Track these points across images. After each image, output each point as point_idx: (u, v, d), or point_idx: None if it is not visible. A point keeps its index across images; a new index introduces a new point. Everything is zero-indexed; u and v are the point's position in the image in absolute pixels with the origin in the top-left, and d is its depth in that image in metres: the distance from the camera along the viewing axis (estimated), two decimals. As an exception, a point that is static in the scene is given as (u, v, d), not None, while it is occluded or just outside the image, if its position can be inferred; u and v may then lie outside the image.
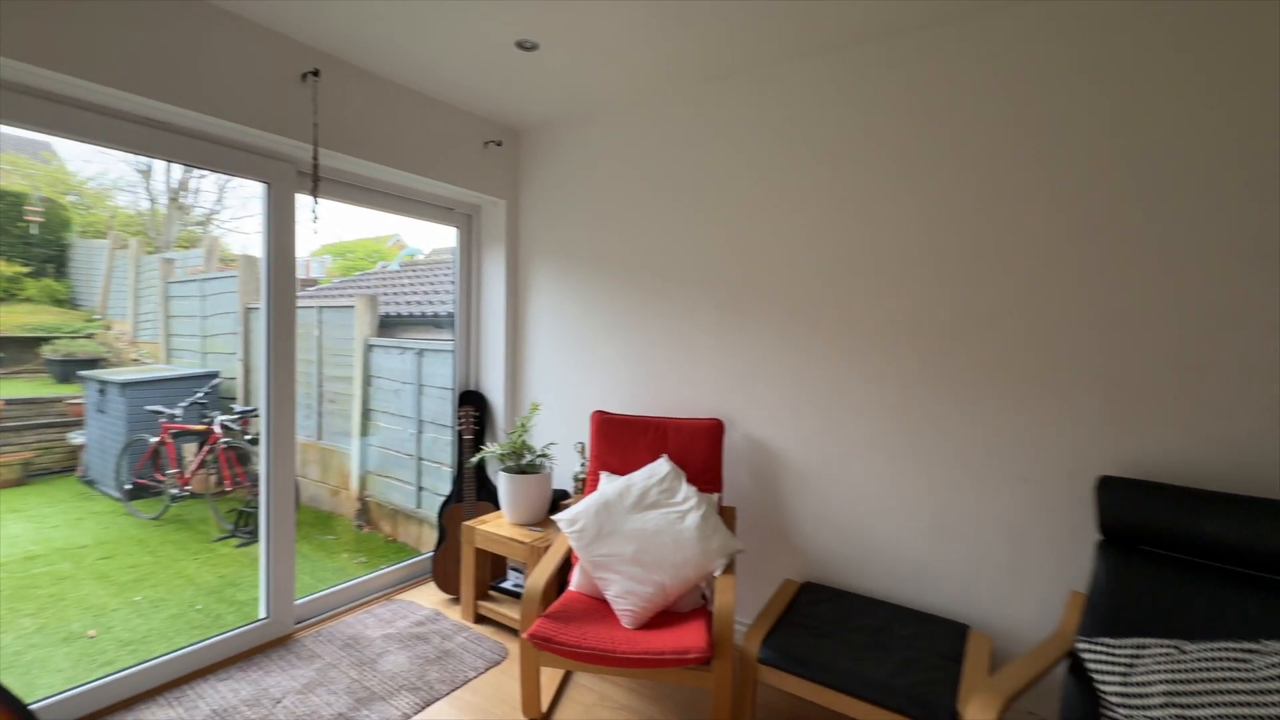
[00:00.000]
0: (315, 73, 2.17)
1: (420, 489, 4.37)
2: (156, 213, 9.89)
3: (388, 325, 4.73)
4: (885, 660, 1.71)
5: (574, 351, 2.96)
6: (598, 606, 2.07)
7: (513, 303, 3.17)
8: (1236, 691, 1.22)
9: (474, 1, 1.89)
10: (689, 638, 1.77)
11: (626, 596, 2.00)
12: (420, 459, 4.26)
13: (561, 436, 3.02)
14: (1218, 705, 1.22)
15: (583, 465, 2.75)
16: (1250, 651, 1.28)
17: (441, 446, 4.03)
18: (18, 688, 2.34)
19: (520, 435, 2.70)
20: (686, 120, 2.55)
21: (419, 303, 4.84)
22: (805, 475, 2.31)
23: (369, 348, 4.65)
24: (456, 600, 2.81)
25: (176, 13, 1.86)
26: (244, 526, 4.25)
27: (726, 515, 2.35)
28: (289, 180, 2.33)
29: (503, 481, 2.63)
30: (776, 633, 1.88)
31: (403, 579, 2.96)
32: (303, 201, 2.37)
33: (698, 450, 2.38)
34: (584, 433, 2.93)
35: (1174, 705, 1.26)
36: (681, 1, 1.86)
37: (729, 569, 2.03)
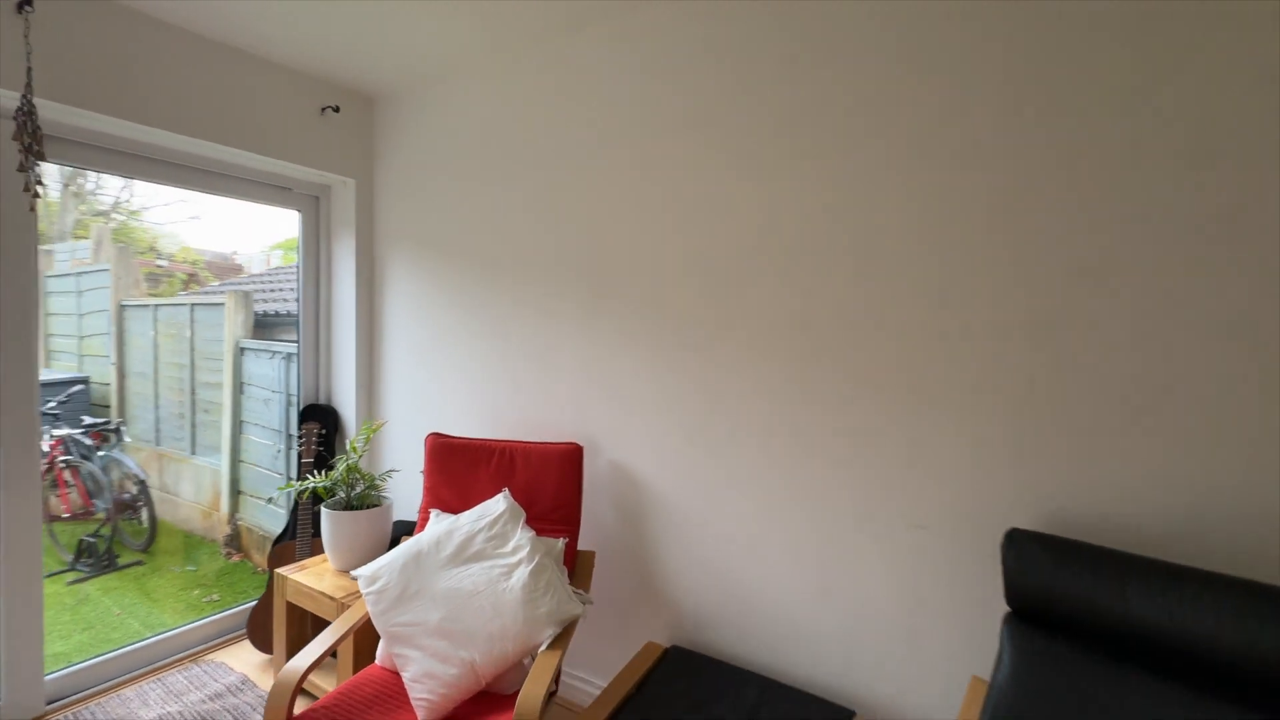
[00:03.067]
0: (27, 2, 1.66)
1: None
2: (49, 201, 9.01)
3: (264, 325, 4.17)
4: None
5: (434, 359, 2.49)
6: (397, 692, 1.61)
7: (366, 301, 2.69)
8: None
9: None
10: None
11: (424, 680, 1.54)
12: (290, 479, 3.73)
13: (419, 461, 2.55)
14: None
15: (431, 496, 2.29)
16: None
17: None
18: None
19: (350, 460, 2.23)
20: (543, 79, 2.11)
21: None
22: (674, 513, 1.89)
23: (241, 350, 4.09)
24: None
25: None
26: (84, 559, 3.66)
27: (583, 561, 1.92)
28: None
29: (325, 519, 2.16)
30: (621, 717, 1.46)
31: (217, 634, 2.46)
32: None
33: (549, 482, 1.94)
34: (442, 455, 2.47)
35: None
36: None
37: (563, 638, 1.59)
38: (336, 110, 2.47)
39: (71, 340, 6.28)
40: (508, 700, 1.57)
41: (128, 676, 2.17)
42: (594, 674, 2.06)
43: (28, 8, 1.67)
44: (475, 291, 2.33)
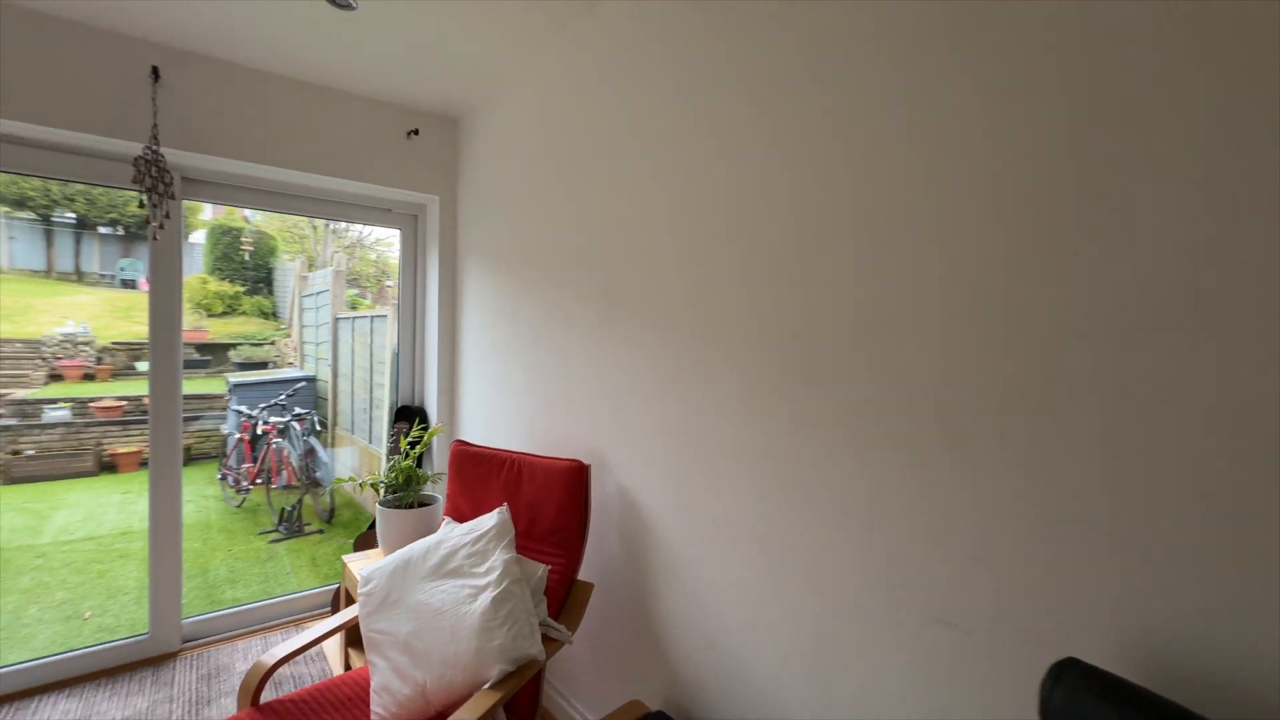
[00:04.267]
0: (155, 72, 2.06)
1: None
2: (317, 234, 11.51)
3: (416, 334, 4.76)
4: None
5: (491, 368, 2.53)
6: (366, 699, 1.61)
7: (448, 311, 2.85)
8: None
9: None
10: None
11: (382, 693, 1.51)
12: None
13: (480, 464, 2.60)
14: None
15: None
16: None
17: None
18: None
19: (401, 462, 2.35)
20: (564, 82, 1.99)
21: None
22: (672, 554, 1.60)
23: (396, 356, 4.71)
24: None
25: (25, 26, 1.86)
26: (283, 523, 4.52)
27: (577, 592, 1.74)
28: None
29: (378, 514, 2.30)
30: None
31: (318, 606, 2.78)
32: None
33: (552, 500, 1.80)
34: (495, 462, 2.48)
35: None
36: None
37: (514, 678, 1.43)
38: (416, 133, 2.66)
39: (311, 345, 7.86)
40: (458, 733, 1.46)
41: (247, 630, 2.56)
42: (590, 710, 1.86)
43: (157, 76, 2.07)
44: (522, 303, 2.30)
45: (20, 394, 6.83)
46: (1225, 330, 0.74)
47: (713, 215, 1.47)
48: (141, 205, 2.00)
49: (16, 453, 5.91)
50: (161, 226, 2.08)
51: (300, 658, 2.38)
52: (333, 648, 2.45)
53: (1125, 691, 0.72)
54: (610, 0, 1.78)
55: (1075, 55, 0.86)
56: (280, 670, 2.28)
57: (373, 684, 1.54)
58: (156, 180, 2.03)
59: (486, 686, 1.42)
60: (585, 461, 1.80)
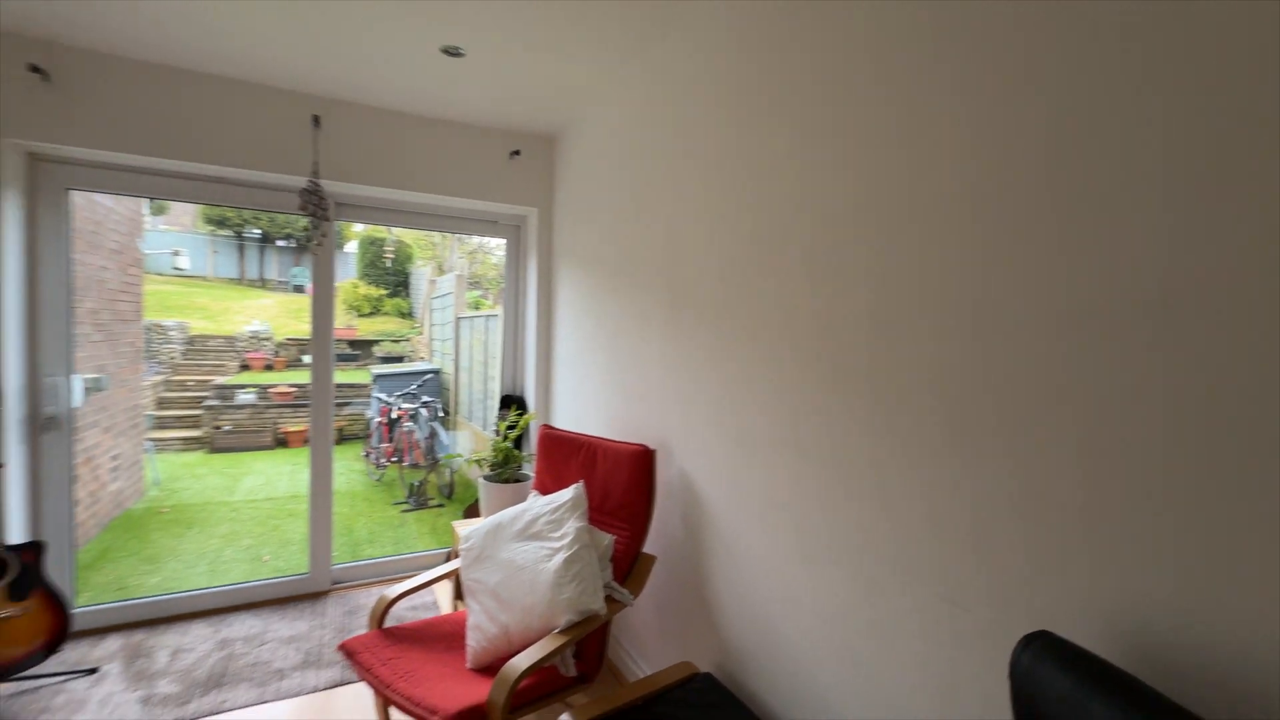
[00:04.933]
0: (316, 120, 2.55)
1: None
2: (445, 242, 12.66)
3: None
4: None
5: (580, 362, 2.81)
6: (460, 634, 1.93)
7: (544, 310, 3.18)
8: None
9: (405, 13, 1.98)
10: (455, 696, 1.52)
11: (475, 631, 1.82)
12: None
13: (569, 448, 2.89)
14: None
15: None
16: None
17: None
18: (202, 581, 3.29)
19: (506, 442, 2.69)
20: (637, 97, 2.19)
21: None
22: (723, 531, 1.75)
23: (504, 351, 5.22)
24: (464, 594, 2.94)
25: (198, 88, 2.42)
26: (412, 496, 5.19)
27: (641, 563, 1.94)
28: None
29: (480, 487, 2.66)
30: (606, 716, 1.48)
31: (436, 564, 3.22)
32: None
33: (620, 480, 2.02)
34: (581, 447, 2.76)
35: None
36: None
37: (580, 626, 1.67)
38: (518, 154, 3.00)
39: (438, 342, 8.75)
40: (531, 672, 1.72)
41: (383, 579, 3.06)
42: (652, 668, 2.05)
43: (317, 123, 2.57)
44: (604, 304, 2.54)
45: (220, 380, 8.36)
46: (1215, 328, 0.77)
47: (750, 225, 1.59)
48: (306, 227, 2.49)
49: (218, 427, 7.25)
50: (319, 244, 2.58)
51: (419, 605, 2.81)
52: (445, 598, 2.87)
53: (1080, 659, 0.79)
54: (677, 33, 1.95)
55: (1067, 57, 0.91)
56: (403, 611, 2.72)
57: (468, 622, 1.85)
58: (317, 206, 2.51)
59: (556, 631, 1.67)
60: (651, 447, 2.00)
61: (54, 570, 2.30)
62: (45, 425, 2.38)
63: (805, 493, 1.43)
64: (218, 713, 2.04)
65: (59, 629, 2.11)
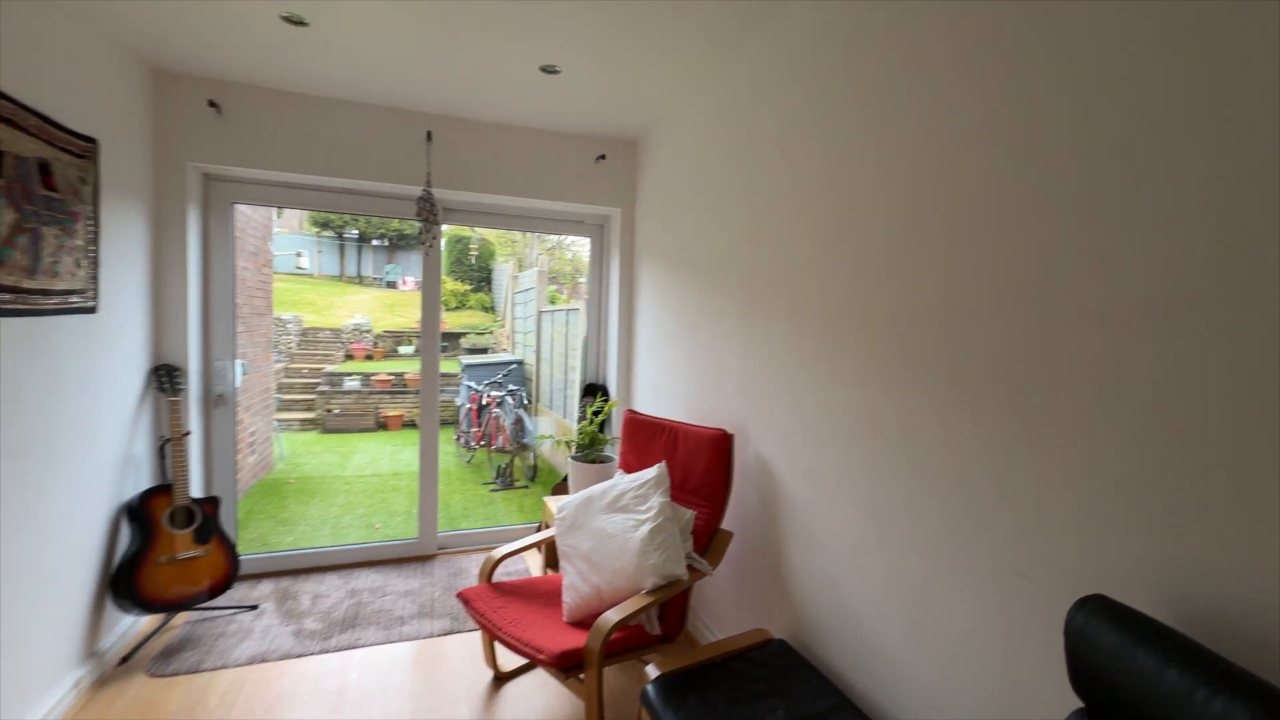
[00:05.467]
0: (429, 135, 2.86)
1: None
2: (525, 239, 13.22)
3: (601, 325, 5.50)
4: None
5: (659, 349, 2.99)
6: (557, 592, 2.16)
7: (626, 304, 3.38)
8: None
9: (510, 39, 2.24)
10: (558, 640, 1.74)
11: (570, 590, 2.05)
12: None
13: (648, 434, 3.08)
14: None
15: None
16: None
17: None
18: (326, 541, 3.79)
19: (592, 426, 2.92)
20: (720, 103, 2.32)
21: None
22: (798, 512, 1.88)
23: (586, 343, 5.49)
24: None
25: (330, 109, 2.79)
26: (499, 478, 5.59)
27: (719, 538, 2.10)
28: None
29: (570, 466, 2.91)
30: (683, 676, 1.66)
31: (523, 536, 3.52)
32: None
33: (700, 461, 2.18)
34: (660, 432, 2.94)
35: None
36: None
37: (665, 590, 1.85)
38: (604, 158, 3.21)
39: (520, 335, 9.21)
40: (619, 626, 1.93)
41: (481, 546, 3.40)
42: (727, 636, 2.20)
43: (429, 138, 2.88)
44: (683, 297, 2.71)
45: (330, 368, 9.25)
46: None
47: (828, 219, 1.70)
48: (419, 231, 2.82)
49: (329, 411, 8.06)
50: (431, 246, 2.91)
51: (513, 571, 3.11)
52: (536, 566, 3.15)
53: (1129, 617, 0.87)
54: (756, 40, 2.07)
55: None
56: (499, 576, 3.02)
57: (564, 583, 2.09)
58: (430, 212, 2.83)
59: (642, 592, 1.86)
60: (729, 431, 2.14)
61: (224, 522, 2.76)
62: (216, 401, 2.85)
63: (878, 472, 1.54)
64: (354, 647, 2.40)
65: (229, 571, 2.55)
